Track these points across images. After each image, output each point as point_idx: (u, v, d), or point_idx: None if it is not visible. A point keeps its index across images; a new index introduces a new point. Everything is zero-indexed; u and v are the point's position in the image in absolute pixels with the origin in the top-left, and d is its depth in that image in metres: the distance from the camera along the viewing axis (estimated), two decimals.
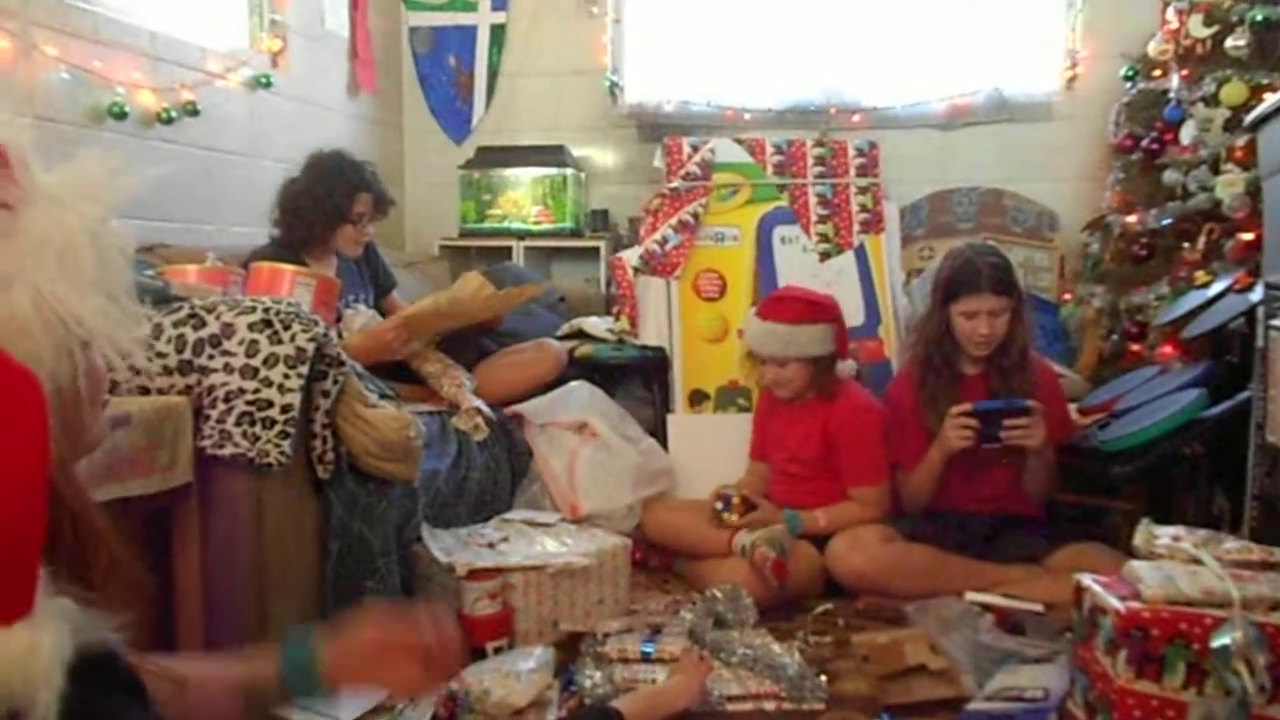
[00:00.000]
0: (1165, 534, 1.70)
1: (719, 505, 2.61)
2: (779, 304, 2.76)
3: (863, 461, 2.65)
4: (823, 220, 3.53)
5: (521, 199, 4.14)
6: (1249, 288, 2.33)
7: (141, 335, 0.73)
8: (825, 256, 3.46)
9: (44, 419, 0.63)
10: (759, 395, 3.02)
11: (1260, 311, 2.06)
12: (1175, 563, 1.61)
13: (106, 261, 0.70)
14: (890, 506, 2.64)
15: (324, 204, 2.74)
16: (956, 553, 2.48)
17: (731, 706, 1.89)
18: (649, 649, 2.04)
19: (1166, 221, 2.99)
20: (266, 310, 1.89)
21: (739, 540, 2.50)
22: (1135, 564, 1.63)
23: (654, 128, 4.14)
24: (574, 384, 3.09)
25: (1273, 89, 2.60)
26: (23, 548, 0.62)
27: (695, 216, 3.46)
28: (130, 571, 0.73)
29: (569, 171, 4.08)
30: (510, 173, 4.14)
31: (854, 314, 3.23)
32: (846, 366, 2.77)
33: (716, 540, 2.57)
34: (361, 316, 2.78)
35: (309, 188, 2.76)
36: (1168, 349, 2.77)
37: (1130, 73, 3.47)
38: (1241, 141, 2.65)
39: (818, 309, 2.70)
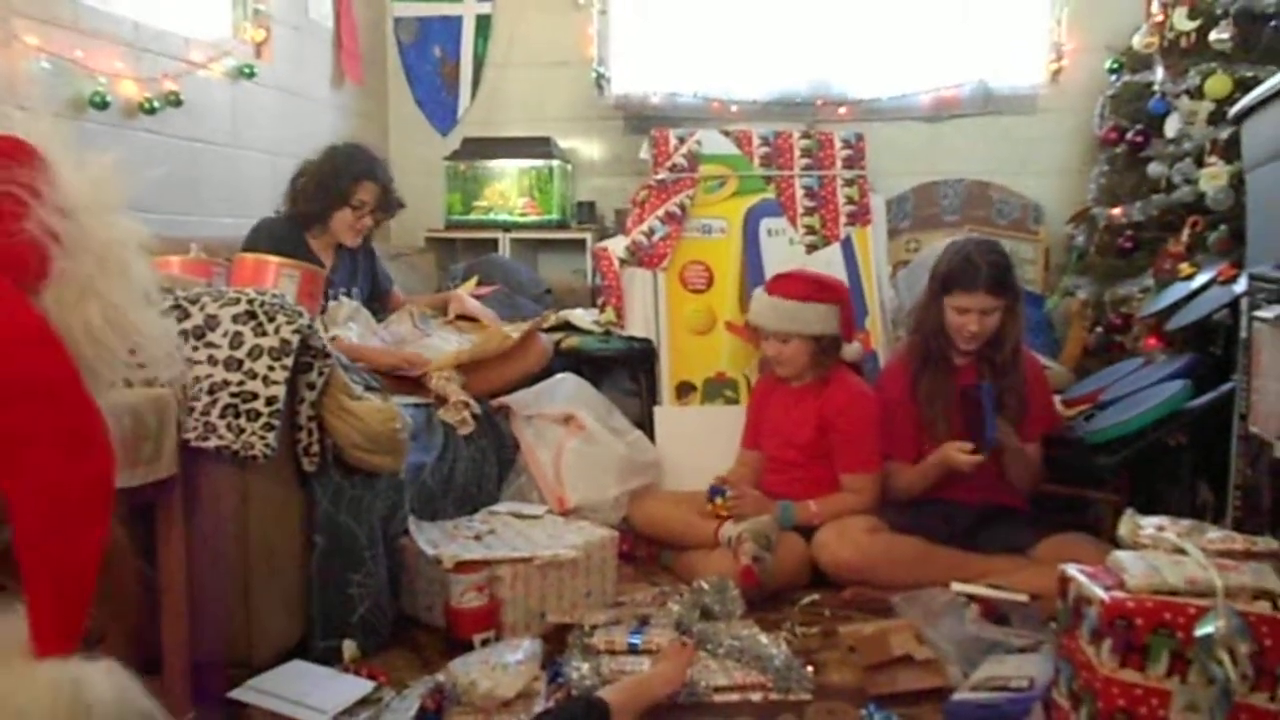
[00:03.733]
0: (1149, 524, 1.70)
1: (713, 493, 2.61)
2: (787, 280, 2.77)
3: (856, 448, 2.65)
4: (809, 212, 3.53)
5: (508, 190, 4.13)
6: (1232, 279, 2.34)
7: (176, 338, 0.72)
8: (812, 248, 3.47)
9: (112, 462, 0.63)
10: (755, 382, 3.02)
11: (1244, 303, 2.07)
12: (1159, 553, 1.61)
13: (147, 272, 0.70)
14: (880, 495, 2.65)
15: (327, 183, 2.78)
16: (942, 543, 2.49)
17: (718, 697, 1.90)
18: (636, 640, 2.04)
19: (1151, 214, 3.00)
20: (251, 302, 1.88)
21: (725, 531, 2.50)
22: (1120, 554, 1.64)
23: (640, 119, 4.13)
24: (560, 376, 3.08)
25: (1256, 82, 2.61)
26: (85, 582, 0.61)
27: (682, 208, 3.45)
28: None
29: (555, 163, 4.07)
30: (496, 164, 4.12)
31: None
32: (852, 349, 2.77)
33: (703, 531, 2.57)
34: (346, 308, 2.77)
35: (319, 166, 2.81)
36: (1152, 340, 2.79)
37: (1115, 66, 3.48)
38: (1225, 134, 2.67)
39: (823, 289, 2.72)
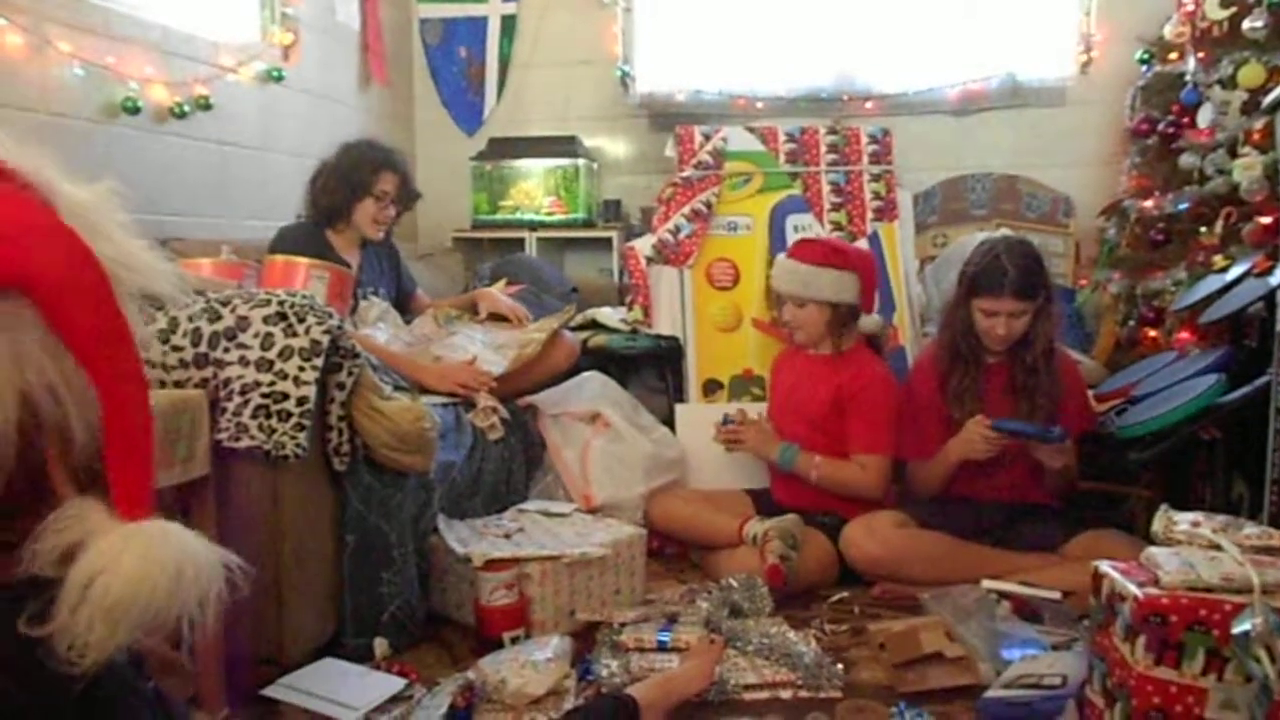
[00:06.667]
0: (1184, 520, 1.69)
1: (724, 421, 2.75)
2: (806, 245, 2.79)
3: (871, 429, 2.65)
4: (836, 208, 3.51)
5: (534, 190, 4.14)
6: (1268, 271, 2.30)
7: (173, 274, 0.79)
8: None
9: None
10: (775, 355, 3.03)
11: (1279, 295, 2.04)
12: (1194, 549, 1.60)
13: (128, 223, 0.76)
14: (890, 482, 2.65)
15: (348, 176, 2.81)
16: (972, 540, 2.48)
17: (747, 695, 1.90)
18: (665, 638, 2.04)
19: (1183, 206, 2.96)
20: (281, 303, 1.89)
21: (750, 529, 2.49)
22: (1154, 550, 1.62)
23: (665, 117, 4.13)
24: (586, 374, 3.09)
25: None
26: (151, 458, 0.71)
27: (708, 205, 3.45)
28: None
29: (581, 162, 4.08)
30: (522, 164, 4.14)
31: None
32: (871, 320, 2.75)
33: (726, 531, 2.57)
34: (376, 308, 2.80)
35: (337, 162, 2.84)
36: (1185, 334, 2.75)
37: (1146, 56, 3.43)
38: (1259, 124, 2.62)
39: (842, 256, 2.70)
